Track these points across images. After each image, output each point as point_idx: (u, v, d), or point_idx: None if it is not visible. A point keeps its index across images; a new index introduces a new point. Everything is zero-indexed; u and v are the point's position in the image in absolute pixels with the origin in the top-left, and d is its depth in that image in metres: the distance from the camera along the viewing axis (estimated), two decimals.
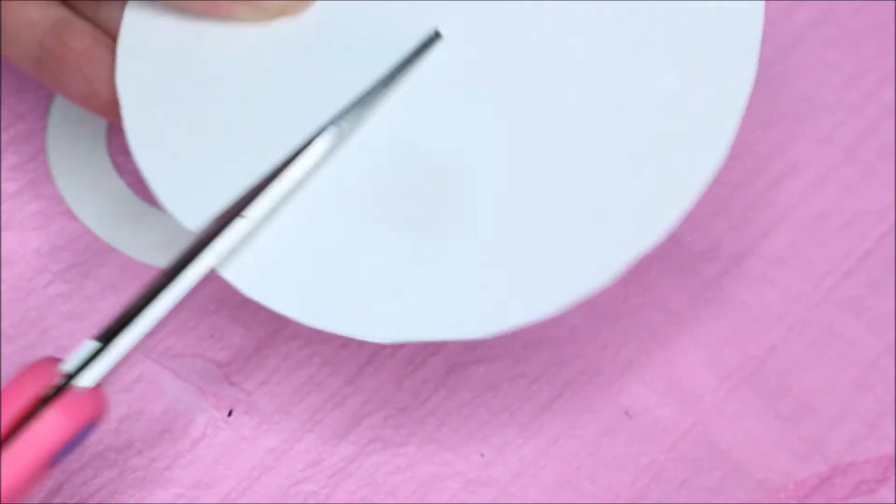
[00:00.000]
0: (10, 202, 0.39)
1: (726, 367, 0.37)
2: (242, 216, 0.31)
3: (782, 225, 0.39)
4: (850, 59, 0.42)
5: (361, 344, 0.37)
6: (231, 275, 0.31)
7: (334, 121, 0.32)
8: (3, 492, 0.28)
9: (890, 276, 0.39)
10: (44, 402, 0.28)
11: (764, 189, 0.40)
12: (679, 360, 0.38)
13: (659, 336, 0.38)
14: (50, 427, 0.28)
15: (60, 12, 0.35)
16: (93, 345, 0.29)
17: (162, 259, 0.38)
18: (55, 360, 0.29)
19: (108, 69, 0.34)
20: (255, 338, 0.37)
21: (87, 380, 0.29)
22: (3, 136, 0.39)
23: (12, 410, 0.28)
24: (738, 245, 0.39)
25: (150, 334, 0.30)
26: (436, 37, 0.33)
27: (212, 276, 0.31)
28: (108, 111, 0.35)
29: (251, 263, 0.31)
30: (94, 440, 0.36)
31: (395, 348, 0.37)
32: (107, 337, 0.29)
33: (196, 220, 0.31)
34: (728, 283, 0.39)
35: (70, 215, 0.39)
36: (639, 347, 0.38)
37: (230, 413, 0.36)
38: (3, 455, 0.28)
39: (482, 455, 0.36)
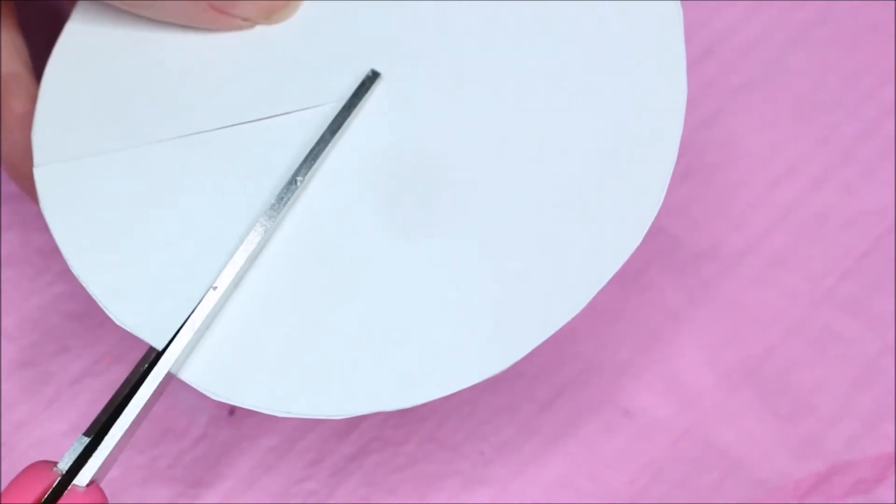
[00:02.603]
0: (13, 203, 0.39)
1: (725, 367, 0.37)
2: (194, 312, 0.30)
3: (782, 225, 0.39)
4: (848, 59, 0.42)
5: None
6: (191, 377, 0.30)
7: (293, 177, 0.31)
8: None
9: (889, 275, 0.39)
10: None
11: (764, 189, 0.40)
12: (678, 360, 0.38)
13: (659, 336, 0.38)
14: None
15: (17, 68, 0.34)
16: (84, 441, 0.29)
17: None
18: (50, 463, 0.28)
19: (30, 142, 0.33)
20: None
21: (83, 478, 0.28)
22: None
23: None
24: (738, 245, 0.39)
25: (129, 431, 0.29)
26: (373, 76, 0.33)
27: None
28: (19, 182, 0.34)
29: (211, 362, 0.30)
30: None
31: None
32: (94, 432, 0.29)
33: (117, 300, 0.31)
34: (727, 283, 0.39)
35: None
36: (638, 347, 0.38)
37: (232, 412, 0.37)
38: None
39: (482, 454, 0.36)
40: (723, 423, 0.37)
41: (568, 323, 0.38)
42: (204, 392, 0.30)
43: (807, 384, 0.37)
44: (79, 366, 0.37)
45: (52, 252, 0.38)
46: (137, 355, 0.37)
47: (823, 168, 0.40)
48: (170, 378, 0.30)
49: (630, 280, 0.39)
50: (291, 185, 0.31)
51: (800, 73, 0.42)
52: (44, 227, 0.38)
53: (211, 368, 0.30)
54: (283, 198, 0.31)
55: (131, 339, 0.37)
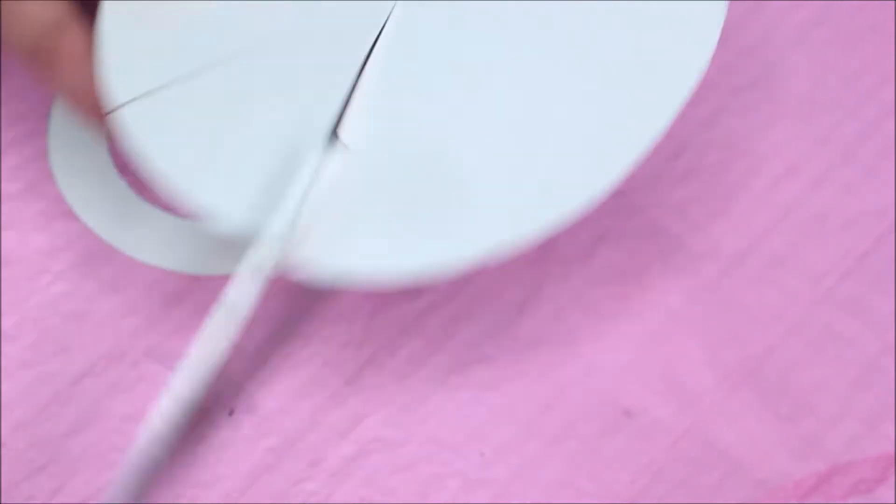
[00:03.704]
0: (12, 202, 0.39)
1: (726, 367, 0.37)
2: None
3: (782, 225, 0.39)
4: (848, 59, 0.42)
5: (361, 344, 0.37)
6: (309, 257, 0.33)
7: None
8: None
9: (889, 275, 0.39)
10: None
11: (764, 189, 0.40)
12: (679, 360, 0.38)
13: (659, 336, 0.38)
14: None
15: (63, 11, 0.35)
16: None
17: (162, 259, 0.38)
18: None
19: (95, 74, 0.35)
20: (255, 338, 0.37)
21: None
22: (5, 137, 0.40)
23: None
24: (738, 245, 0.39)
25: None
26: None
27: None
28: (89, 114, 0.35)
29: (320, 246, 0.33)
30: (96, 440, 0.36)
31: (396, 348, 0.37)
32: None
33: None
34: (728, 283, 0.39)
35: (71, 215, 0.39)
36: (639, 347, 0.38)
37: (231, 413, 0.37)
38: None
39: (482, 455, 0.36)
40: (723, 424, 0.37)
41: (568, 324, 0.38)
42: (319, 273, 0.32)
43: (807, 384, 0.37)
44: (78, 366, 0.37)
45: (51, 252, 0.38)
46: (137, 356, 0.37)
47: (823, 168, 0.40)
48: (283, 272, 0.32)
49: (630, 280, 0.39)
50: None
51: (800, 73, 0.42)
52: (44, 227, 0.38)
53: (321, 252, 0.33)
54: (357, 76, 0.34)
55: (131, 339, 0.37)
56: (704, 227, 0.39)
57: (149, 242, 0.38)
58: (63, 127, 0.40)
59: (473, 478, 0.36)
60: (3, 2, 0.35)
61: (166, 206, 0.39)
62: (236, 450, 0.36)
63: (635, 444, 0.37)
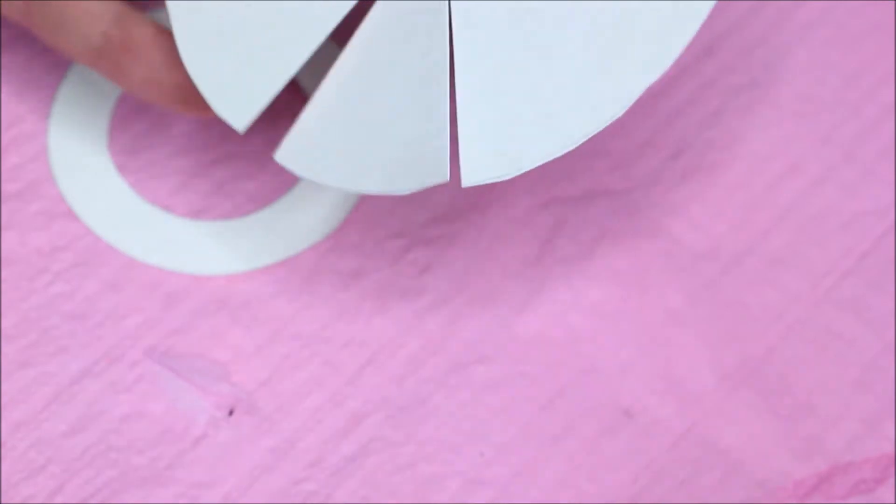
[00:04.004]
0: (12, 202, 0.39)
1: (726, 367, 0.37)
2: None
3: (782, 225, 0.39)
4: (849, 59, 0.42)
5: (361, 344, 0.37)
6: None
7: None
8: None
9: (889, 275, 0.39)
10: None
11: (764, 189, 0.40)
12: (679, 360, 0.38)
13: (659, 336, 0.38)
14: None
15: (121, 6, 0.36)
16: None
17: (162, 259, 0.38)
18: None
19: (169, 56, 0.36)
20: (254, 338, 0.37)
21: None
22: (5, 137, 0.40)
23: None
24: (738, 245, 0.39)
25: None
26: None
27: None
28: (170, 97, 0.36)
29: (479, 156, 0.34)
30: (96, 440, 0.36)
31: (396, 348, 0.37)
32: None
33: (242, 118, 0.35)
34: (728, 283, 0.39)
35: (71, 215, 0.39)
36: (639, 347, 0.38)
37: (231, 413, 0.37)
38: None
39: (482, 455, 0.36)
40: (723, 424, 0.37)
41: (568, 324, 0.38)
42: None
43: (807, 384, 0.37)
44: (78, 366, 0.37)
45: (51, 252, 0.38)
46: (137, 356, 0.37)
47: (824, 168, 0.40)
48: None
49: (630, 280, 0.39)
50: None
51: (800, 72, 0.42)
52: (43, 227, 0.38)
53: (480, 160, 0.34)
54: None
55: (131, 339, 0.37)
56: (704, 227, 0.39)
57: (149, 242, 0.38)
58: (63, 126, 0.40)
59: (473, 478, 0.36)
60: (64, 3, 0.36)
61: (165, 206, 0.39)
62: (237, 449, 0.36)
63: (635, 444, 0.37)
